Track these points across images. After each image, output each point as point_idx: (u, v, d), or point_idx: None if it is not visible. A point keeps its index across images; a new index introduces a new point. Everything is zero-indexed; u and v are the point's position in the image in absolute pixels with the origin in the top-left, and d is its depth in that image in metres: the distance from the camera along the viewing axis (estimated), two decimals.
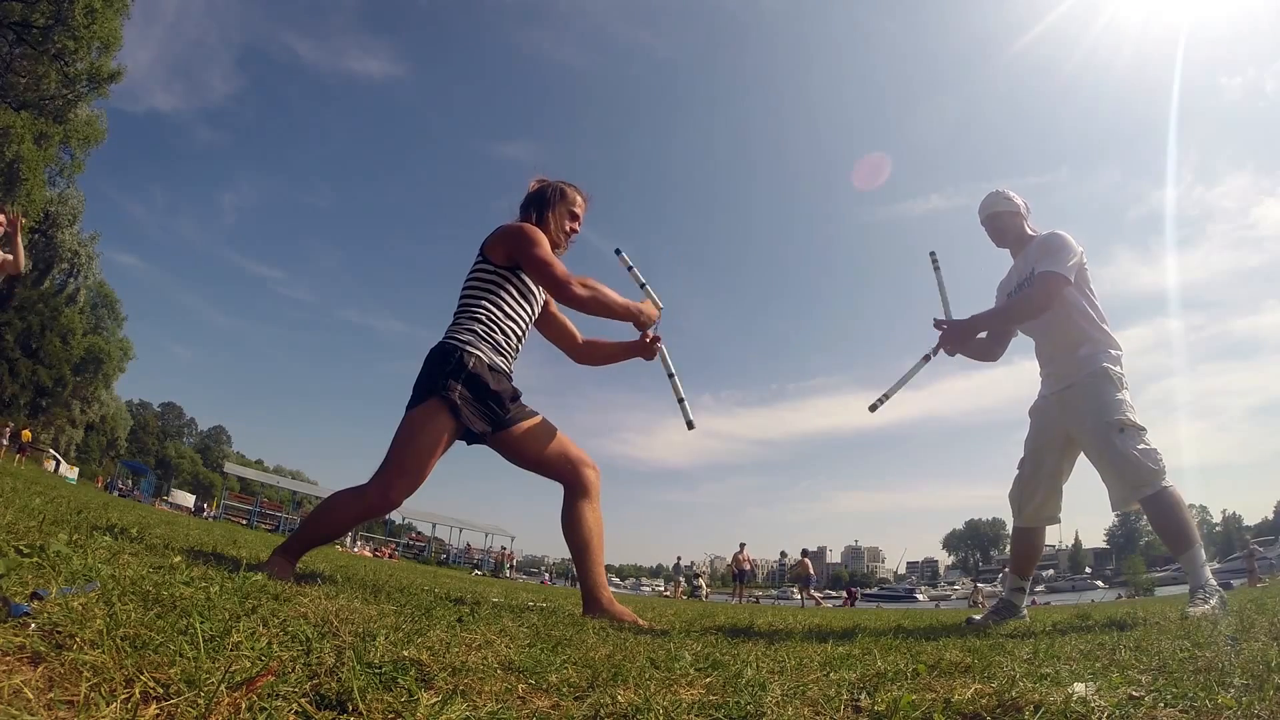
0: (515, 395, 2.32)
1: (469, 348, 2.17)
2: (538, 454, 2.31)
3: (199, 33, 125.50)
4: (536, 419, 2.34)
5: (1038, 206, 3.03)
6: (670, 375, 2.52)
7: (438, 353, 2.18)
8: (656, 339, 2.51)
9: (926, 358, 2.92)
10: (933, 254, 3.15)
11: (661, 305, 2.51)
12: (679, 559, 26.23)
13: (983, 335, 2.99)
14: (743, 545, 18.70)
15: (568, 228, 2.44)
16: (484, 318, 2.25)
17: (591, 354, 2.61)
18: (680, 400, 2.50)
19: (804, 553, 18.12)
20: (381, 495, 2.06)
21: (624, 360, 2.62)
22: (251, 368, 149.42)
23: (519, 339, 2.35)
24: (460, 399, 2.10)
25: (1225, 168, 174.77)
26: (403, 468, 2.07)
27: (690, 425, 2.49)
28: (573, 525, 2.29)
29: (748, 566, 18.14)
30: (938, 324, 2.85)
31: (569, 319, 2.58)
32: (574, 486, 2.32)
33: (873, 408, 2.89)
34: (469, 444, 2.29)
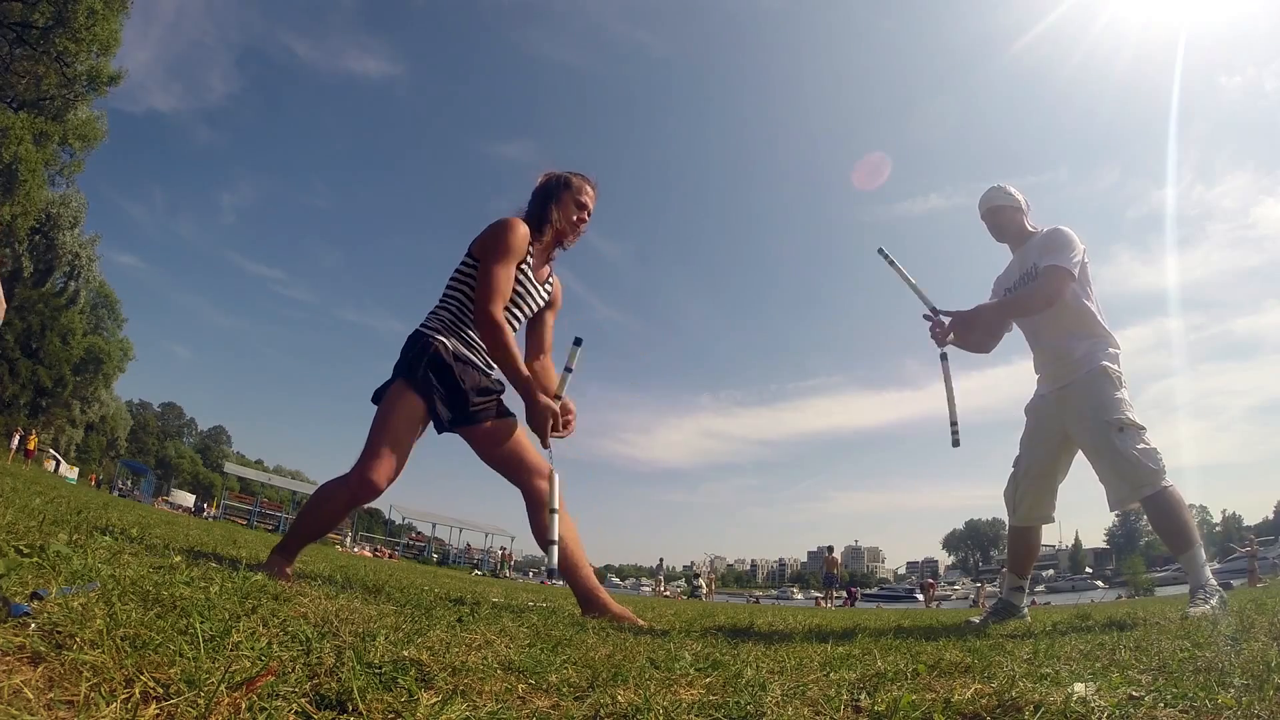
0: (487, 390, 2.29)
1: (435, 335, 2.21)
2: (496, 455, 2.29)
3: (198, 33, 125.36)
4: (505, 420, 2.31)
5: (1037, 206, 3.03)
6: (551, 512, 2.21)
7: (409, 339, 2.24)
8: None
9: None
10: (881, 249, 3.02)
11: None
12: (660, 560, 27.87)
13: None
14: (830, 548, 18.54)
15: (574, 218, 2.40)
16: (455, 309, 2.27)
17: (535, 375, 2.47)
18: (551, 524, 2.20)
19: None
20: (363, 480, 2.07)
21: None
22: (251, 368, 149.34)
23: None
24: (422, 380, 2.14)
25: (1225, 167, 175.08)
26: (379, 450, 2.09)
27: (551, 574, 2.18)
28: (540, 537, 2.25)
29: (836, 570, 17.98)
30: (944, 313, 2.84)
31: (549, 337, 2.51)
32: (528, 496, 2.28)
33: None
34: (439, 432, 2.28)
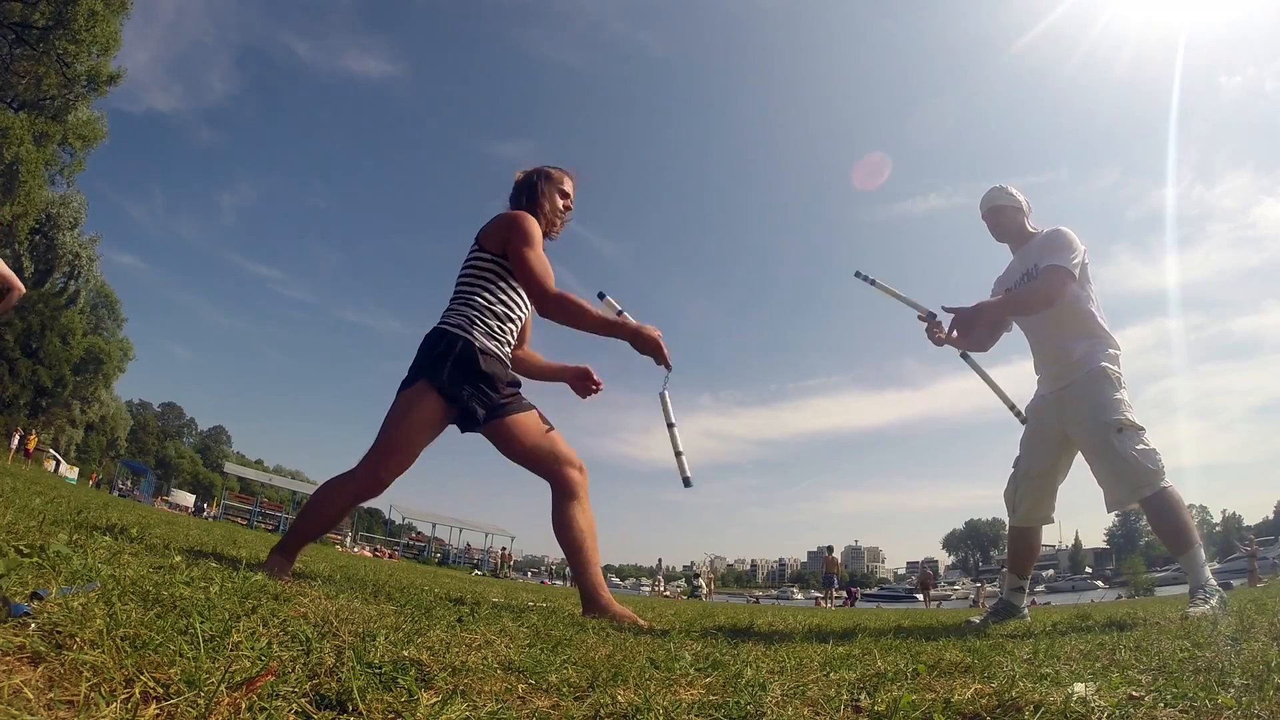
0: (512, 382, 2.31)
1: (460, 331, 2.20)
2: (525, 448, 2.29)
3: (197, 33, 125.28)
4: (530, 411, 2.32)
5: (1037, 206, 3.03)
6: (670, 425, 2.28)
7: (430, 336, 2.22)
8: (596, 383, 2.49)
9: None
10: (858, 273, 3.16)
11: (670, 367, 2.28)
12: (659, 560, 28.25)
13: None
14: (830, 548, 18.90)
15: (561, 205, 2.45)
16: (477, 304, 2.27)
17: (521, 365, 2.50)
18: (678, 454, 2.25)
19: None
20: (370, 475, 2.08)
21: (551, 381, 2.56)
22: (251, 368, 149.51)
23: (515, 325, 2.34)
24: (449, 380, 2.12)
25: (1225, 167, 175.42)
26: (390, 447, 2.10)
27: (687, 483, 2.21)
28: (562, 528, 2.27)
29: (836, 571, 18.20)
30: (947, 310, 2.85)
31: (529, 329, 2.54)
32: (558, 487, 2.29)
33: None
34: (463, 431, 2.28)
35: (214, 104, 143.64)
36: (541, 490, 2.33)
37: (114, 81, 20.40)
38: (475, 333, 2.21)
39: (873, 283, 3.09)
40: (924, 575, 23.26)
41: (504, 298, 2.30)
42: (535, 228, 2.27)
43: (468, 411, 2.17)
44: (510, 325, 2.32)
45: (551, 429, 2.35)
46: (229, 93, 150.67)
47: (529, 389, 2.45)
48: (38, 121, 19.13)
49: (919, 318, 3.01)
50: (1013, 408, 2.99)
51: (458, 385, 2.13)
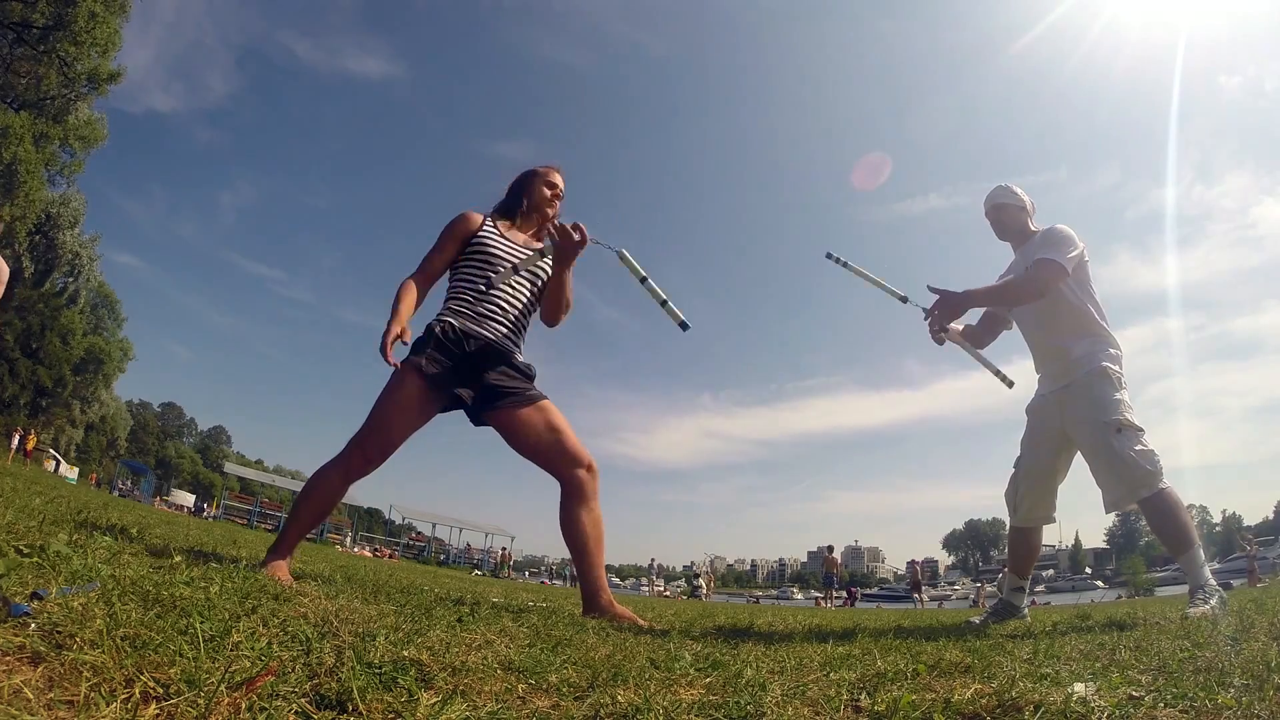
0: (515, 368, 2.32)
1: (443, 317, 2.30)
2: (533, 443, 2.28)
3: (197, 33, 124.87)
4: (539, 404, 2.31)
5: (1037, 206, 3.03)
6: (644, 280, 2.32)
7: (426, 326, 2.32)
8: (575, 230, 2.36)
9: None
10: (829, 254, 3.13)
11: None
12: (652, 560, 28.29)
13: (972, 324, 3.04)
14: (830, 548, 18.95)
15: (548, 194, 2.57)
16: (454, 292, 2.38)
17: (552, 315, 2.49)
18: (664, 303, 2.29)
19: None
20: (354, 453, 2.16)
21: (559, 284, 2.44)
22: (251, 368, 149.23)
23: (510, 304, 2.36)
24: (427, 361, 2.18)
25: (1225, 167, 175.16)
26: (372, 425, 2.17)
27: (685, 326, 2.26)
28: (568, 527, 2.28)
29: (836, 570, 18.21)
30: (932, 289, 2.80)
31: (570, 296, 2.49)
32: (566, 485, 2.30)
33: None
34: (475, 424, 2.32)
35: (214, 104, 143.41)
36: (542, 490, 2.32)
37: (114, 80, 20.40)
38: (461, 318, 2.28)
39: (845, 265, 3.10)
40: (913, 574, 23.12)
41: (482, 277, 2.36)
42: (451, 226, 2.40)
43: (452, 395, 2.21)
44: (506, 304, 2.34)
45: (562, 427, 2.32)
46: (229, 93, 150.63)
47: (540, 383, 2.44)
48: (38, 122, 19.13)
49: (924, 310, 2.98)
50: (998, 373, 2.99)
51: (436, 362, 2.19)
